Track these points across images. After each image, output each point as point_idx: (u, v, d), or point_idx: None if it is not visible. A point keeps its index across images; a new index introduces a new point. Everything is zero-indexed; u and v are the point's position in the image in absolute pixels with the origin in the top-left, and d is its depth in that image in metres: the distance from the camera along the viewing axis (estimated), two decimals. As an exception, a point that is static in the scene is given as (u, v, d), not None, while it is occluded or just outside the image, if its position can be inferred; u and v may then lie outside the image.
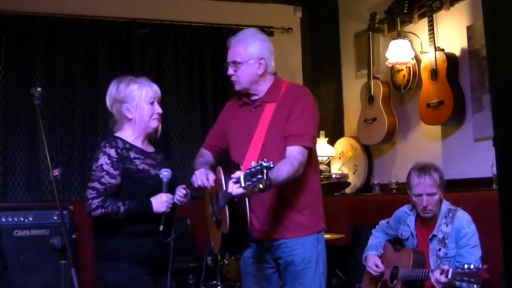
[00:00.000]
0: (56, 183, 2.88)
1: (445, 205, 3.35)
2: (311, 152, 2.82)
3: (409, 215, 3.48)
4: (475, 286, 2.86)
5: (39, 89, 2.96)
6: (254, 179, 2.33)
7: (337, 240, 4.27)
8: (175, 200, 2.84)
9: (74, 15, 5.31)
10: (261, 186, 2.35)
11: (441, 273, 2.99)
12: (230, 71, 2.86)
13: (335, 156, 5.64)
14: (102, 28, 5.41)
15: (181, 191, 2.86)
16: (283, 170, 2.57)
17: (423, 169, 3.33)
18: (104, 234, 2.77)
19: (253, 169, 2.34)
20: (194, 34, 5.69)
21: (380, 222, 3.72)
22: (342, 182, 5.40)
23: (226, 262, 4.48)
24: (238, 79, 2.85)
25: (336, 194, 5.36)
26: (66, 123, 5.26)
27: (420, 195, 3.30)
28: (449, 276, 2.92)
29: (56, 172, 2.86)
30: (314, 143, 2.87)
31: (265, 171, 2.30)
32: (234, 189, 2.44)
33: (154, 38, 5.56)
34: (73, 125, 5.28)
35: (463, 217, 3.27)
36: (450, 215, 3.28)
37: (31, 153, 5.12)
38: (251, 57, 2.82)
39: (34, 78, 5.16)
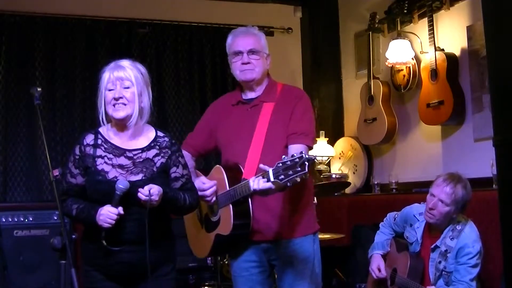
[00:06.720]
0: (56, 183, 2.87)
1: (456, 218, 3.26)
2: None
3: (418, 220, 3.39)
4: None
5: (39, 89, 2.94)
6: (290, 172, 2.22)
7: (337, 240, 4.26)
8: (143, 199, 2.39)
9: (74, 15, 5.30)
10: (298, 180, 2.23)
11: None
12: (246, 58, 2.79)
13: (335, 156, 5.63)
14: (102, 28, 5.41)
15: (143, 191, 2.40)
16: None
17: (452, 177, 3.25)
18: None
19: (288, 162, 2.24)
20: (194, 34, 5.69)
21: (388, 215, 3.66)
22: (342, 182, 5.39)
23: (226, 262, 4.48)
24: (254, 67, 2.81)
25: (336, 194, 5.36)
26: (66, 123, 5.25)
27: (434, 196, 3.24)
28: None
29: (56, 172, 2.85)
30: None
31: (306, 163, 2.19)
32: (261, 183, 2.31)
33: (154, 38, 5.56)
34: (73, 125, 5.27)
35: (470, 235, 3.19)
36: (458, 228, 3.21)
37: (31, 153, 5.11)
38: (265, 51, 2.85)
39: (34, 78, 5.15)
